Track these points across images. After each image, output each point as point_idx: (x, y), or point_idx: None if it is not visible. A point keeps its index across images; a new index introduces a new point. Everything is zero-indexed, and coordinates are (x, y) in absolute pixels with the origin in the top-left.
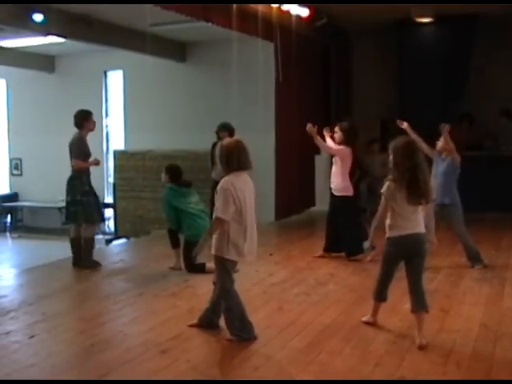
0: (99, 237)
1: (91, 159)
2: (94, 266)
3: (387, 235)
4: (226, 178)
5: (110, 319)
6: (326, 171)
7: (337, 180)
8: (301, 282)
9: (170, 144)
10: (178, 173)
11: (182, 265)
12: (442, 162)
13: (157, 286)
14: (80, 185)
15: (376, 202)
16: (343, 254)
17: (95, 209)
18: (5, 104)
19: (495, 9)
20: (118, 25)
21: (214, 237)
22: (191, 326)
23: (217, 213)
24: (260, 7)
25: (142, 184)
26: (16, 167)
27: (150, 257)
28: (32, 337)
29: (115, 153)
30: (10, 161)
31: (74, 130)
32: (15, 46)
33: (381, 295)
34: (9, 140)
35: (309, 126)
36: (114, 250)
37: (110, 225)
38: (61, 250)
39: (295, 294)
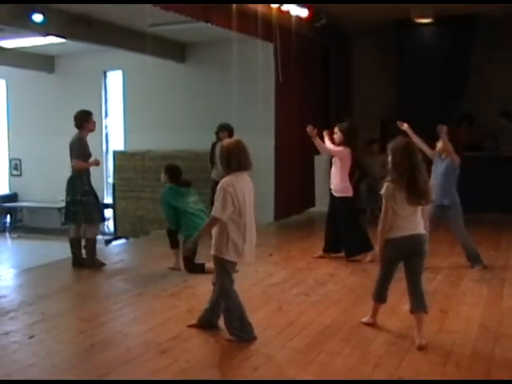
0: (99, 237)
1: (91, 159)
2: (99, 266)
3: (387, 236)
4: (226, 178)
5: (110, 319)
6: (326, 172)
7: (336, 180)
8: (300, 283)
9: (169, 144)
10: (177, 172)
11: (182, 265)
12: (441, 162)
13: (156, 286)
14: (80, 185)
15: (376, 203)
16: (343, 254)
17: (95, 209)
18: (4, 104)
19: (495, 9)
20: (117, 25)
21: (214, 237)
22: (191, 326)
23: (214, 212)
24: (260, 7)
25: (141, 184)
26: (16, 167)
27: (150, 257)
28: (31, 337)
29: (115, 153)
30: (10, 161)
31: (74, 130)
32: (15, 46)
33: (380, 296)
34: (8, 140)
35: (309, 128)
36: (114, 251)
37: (110, 225)
38: (60, 250)
39: (295, 294)
